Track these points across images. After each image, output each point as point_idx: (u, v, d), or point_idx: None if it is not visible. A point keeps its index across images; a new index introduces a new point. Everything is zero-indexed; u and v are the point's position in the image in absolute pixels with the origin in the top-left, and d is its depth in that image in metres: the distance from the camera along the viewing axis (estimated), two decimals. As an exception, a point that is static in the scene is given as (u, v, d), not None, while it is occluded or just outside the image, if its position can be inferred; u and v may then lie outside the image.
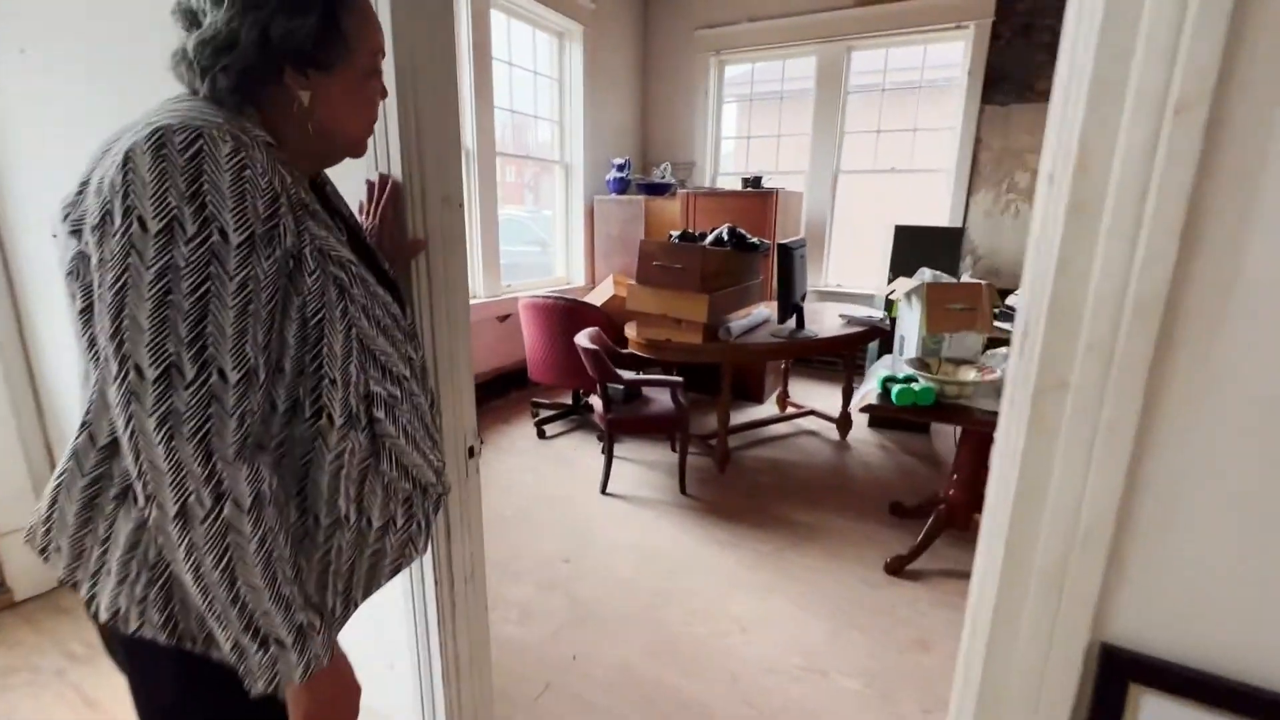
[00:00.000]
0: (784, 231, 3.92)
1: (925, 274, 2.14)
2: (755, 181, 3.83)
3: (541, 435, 3.31)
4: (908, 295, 2.09)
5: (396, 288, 0.81)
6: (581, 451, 3.13)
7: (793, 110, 4.81)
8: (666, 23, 4.75)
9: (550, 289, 4.20)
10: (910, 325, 2.11)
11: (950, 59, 4.07)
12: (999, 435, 0.59)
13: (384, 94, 0.76)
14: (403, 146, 0.91)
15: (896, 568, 2.11)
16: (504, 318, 3.75)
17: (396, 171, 0.92)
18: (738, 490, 2.71)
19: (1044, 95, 3.71)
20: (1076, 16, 0.48)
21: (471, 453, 1.09)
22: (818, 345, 2.71)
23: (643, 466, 2.95)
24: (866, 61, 4.40)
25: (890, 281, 3.22)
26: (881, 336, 3.00)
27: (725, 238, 2.69)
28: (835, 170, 4.43)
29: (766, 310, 3.09)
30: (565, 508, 2.56)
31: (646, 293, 2.60)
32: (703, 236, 2.80)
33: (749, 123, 5.19)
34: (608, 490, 2.68)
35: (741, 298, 2.84)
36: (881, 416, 3.34)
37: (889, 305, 3.00)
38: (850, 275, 4.63)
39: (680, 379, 2.54)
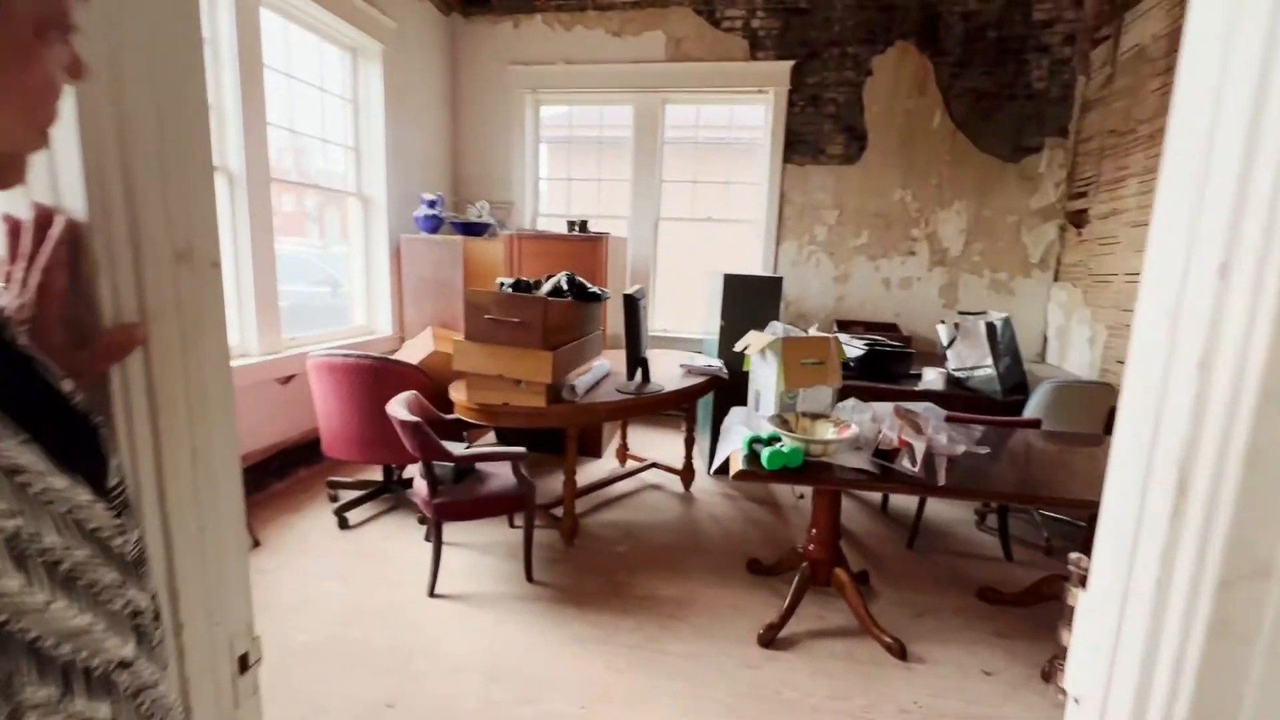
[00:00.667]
0: (614, 278, 3.80)
1: (777, 328, 2.11)
2: (582, 225, 3.67)
3: (344, 525, 2.68)
4: (762, 351, 2.03)
5: (93, 432, 0.42)
6: (399, 541, 2.58)
7: (612, 155, 4.80)
8: (477, 53, 4.45)
9: (349, 341, 3.55)
10: (766, 380, 2.04)
11: (755, 120, 4.39)
12: (1131, 623, 0.41)
13: (78, 72, 0.39)
14: (90, 162, 0.50)
15: (769, 639, 1.99)
16: (287, 379, 3.04)
17: (75, 203, 0.51)
18: (592, 567, 2.41)
19: (834, 159, 4.14)
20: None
21: (245, 665, 0.66)
22: (666, 400, 2.57)
23: (477, 552, 2.51)
24: (680, 116, 4.57)
25: (723, 326, 3.24)
26: (721, 385, 2.98)
27: (565, 287, 2.44)
28: (657, 217, 4.47)
29: (607, 363, 2.89)
30: (383, 624, 2.03)
31: (479, 351, 2.23)
32: (538, 285, 2.52)
33: (568, 164, 5.07)
34: (437, 591, 2.20)
35: (584, 352, 2.60)
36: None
37: (721, 353, 3.01)
38: (676, 319, 4.68)
39: (523, 449, 2.19)
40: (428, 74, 4.15)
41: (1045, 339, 4.05)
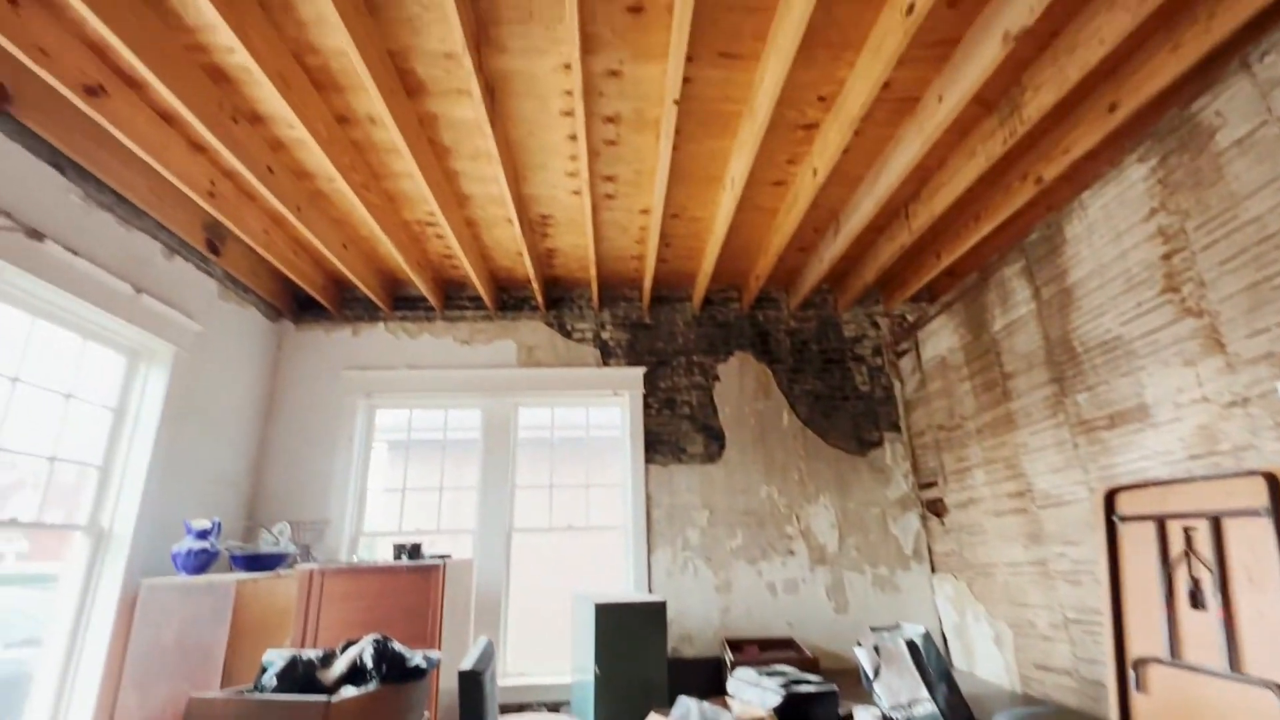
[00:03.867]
0: (454, 613, 2.94)
1: (690, 707, 1.46)
2: (414, 550, 2.92)
3: None
4: (675, 752, 1.34)
5: None
6: None
7: (458, 459, 4.30)
8: (304, 358, 4.04)
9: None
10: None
11: (612, 419, 4.26)
12: None
13: None
14: None
15: None
16: None
17: None
18: None
19: (695, 458, 4.01)
20: None
21: None
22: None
23: None
24: (534, 415, 4.33)
25: (598, 675, 2.45)
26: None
27: (369, 664, 1.63)
28: (509, 528, 3.84)
29: (434, 769, 1.91)
30: None
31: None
32: (328, 659, 1.68)
33: (405, 471, 4.44)
34: None
35: (394, 766, 1.66)
36: None
37: None
38: (534, 659, 3.71)
39: None
40: (233, 380, 3.58)
41: (944, 639, 3.70)
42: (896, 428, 4.13)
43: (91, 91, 2.18)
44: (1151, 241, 2.31)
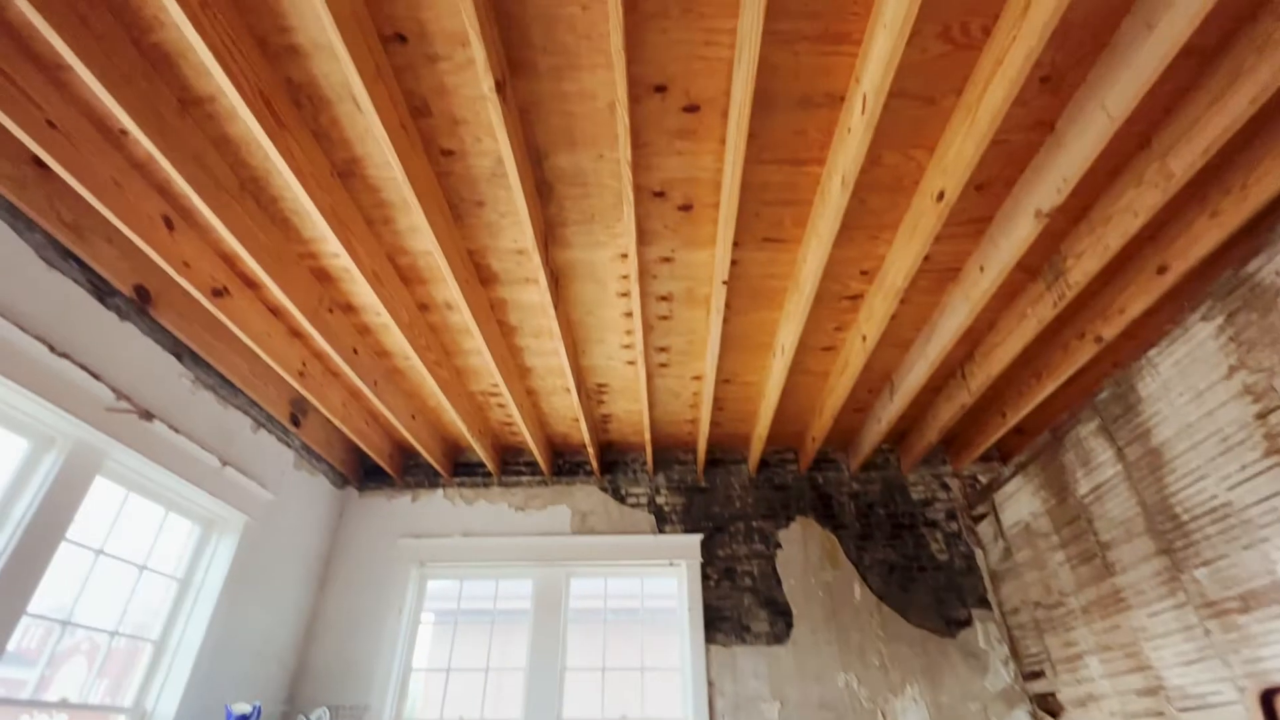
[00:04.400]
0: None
1: None
2: (455, 745, 2.67)
3: None
4: None
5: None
6: None
7: (505, 631, 4.07)
8: (364, 526, 4.09)
9: None
10: None
11: (668, 590, 4.01)
12: None
13: None
14: None
15: None
16: None
17: None
18: None
19: (760, 637, 3.66)
20: None
21: None
22: None
23: None
24: (587, 586, 4.14)
25: None
26: None
27: None
28: (558, 717, 3.48)
29: None
30: None
31: None
32: None
33: (450, 649, 4.21)
34: None
35: None
36: None
37: None
38: None
39: None
40: (297, 547, 3.64)
41: None
42: (985, 603, 3.70)
43: (217, 293, 2.53)
44: (1239, 400, 2.18)
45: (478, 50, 1.63)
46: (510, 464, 4.33)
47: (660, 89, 1.90)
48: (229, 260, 2.59)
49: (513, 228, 2.43)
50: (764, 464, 4.26)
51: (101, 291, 2.46)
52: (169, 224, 2.31)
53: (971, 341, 3.12)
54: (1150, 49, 1.61)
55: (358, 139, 2.08)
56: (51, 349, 2.20)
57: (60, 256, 2.29)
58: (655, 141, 2.07)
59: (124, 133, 2.06)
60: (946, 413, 3.47)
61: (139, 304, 2.49)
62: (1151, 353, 2.55)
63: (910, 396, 3.25)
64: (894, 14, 1.55)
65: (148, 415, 2.60)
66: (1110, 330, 2.65)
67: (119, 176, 2.10)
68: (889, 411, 3.48)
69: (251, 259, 2.27)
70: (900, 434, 4.10)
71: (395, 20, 1.74)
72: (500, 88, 1.77)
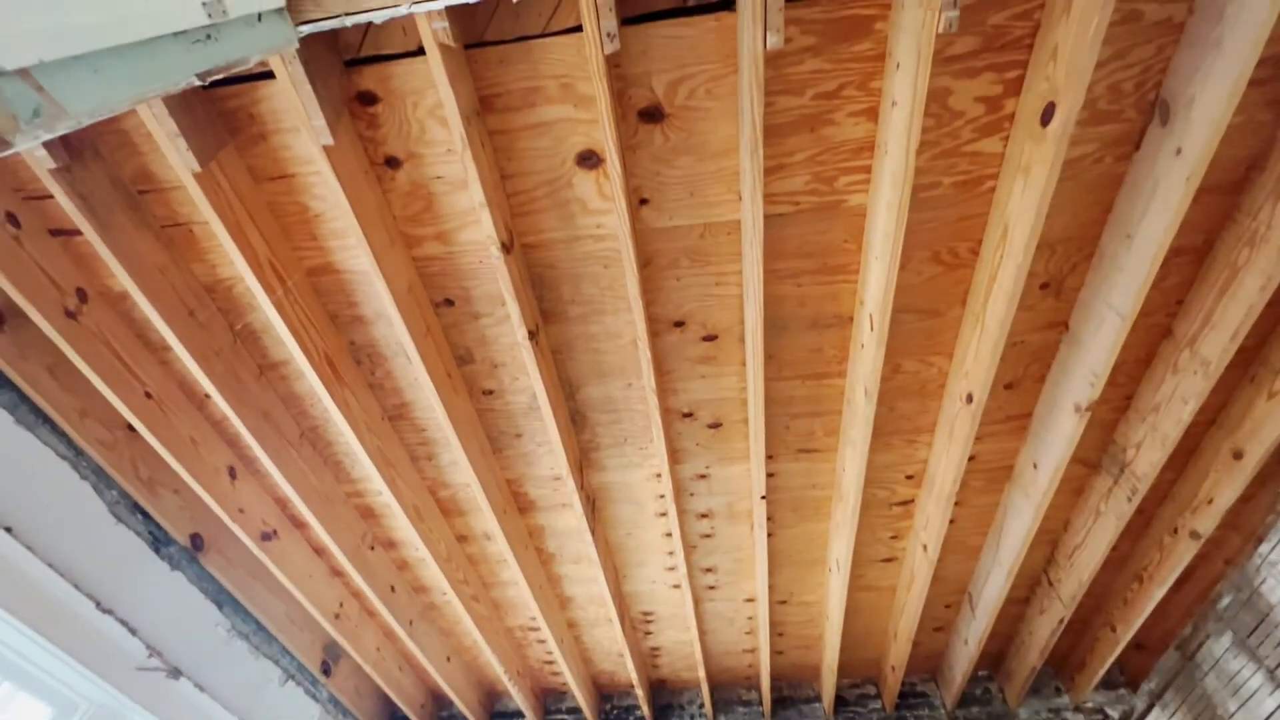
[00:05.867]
0: None
1: None
2: None
3: None
4: None
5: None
6: None
7: None
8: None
9: None
10: None
11: None
12: None
13: None
14: None
15: None
16: None
17: None
18: None
19: None
20: None
21: None
22: None
23: None
24: None
25: None
26: None
27: None
28: None
29: None
30: None
31: None
32: None
33: None
34: None
35: None
36: None
37: None
38: None
39: None
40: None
41: None
42: None
43: (266, 537, 2.59)
44: (1394, 605, 1.84)
45: (512, 308, 1.85)
46: (552, 711, 3.86)
47: (679, 324, 2.07)
48: (281, 503, 2.70)
49: (548, 455, 2.50)
50: (841, 702, 3.67)
51: (158, 542, 2.55)
52: (232, 474, 2.46)
53: (1048, 543, 2.83)
54: (1136, 255, 1.69)
55: (408, 386, 2.28)
56: (98, 605, 2.23)
57: (129, 511, 2.44)
58: (679, 368, 2.19)
59: (207, 397, 2.32)
60: (1043, 628, 3.02)
61: (192, 552, 2.56)
62: (1263, 548, 2.25)
63: (994, 609, 2.87)
64: (882, 247, 1.71)
65: (176, 674, 2.50)
66: (1205, 524, 2.38)
67: (196, 434, 2.32)
68: (974, 630, 3.06)
69: (302, 503, 2.36)
70: (996, 657, 3.54)
71: (445, 290, 2.01)
72: (533, 335, 1.96)
